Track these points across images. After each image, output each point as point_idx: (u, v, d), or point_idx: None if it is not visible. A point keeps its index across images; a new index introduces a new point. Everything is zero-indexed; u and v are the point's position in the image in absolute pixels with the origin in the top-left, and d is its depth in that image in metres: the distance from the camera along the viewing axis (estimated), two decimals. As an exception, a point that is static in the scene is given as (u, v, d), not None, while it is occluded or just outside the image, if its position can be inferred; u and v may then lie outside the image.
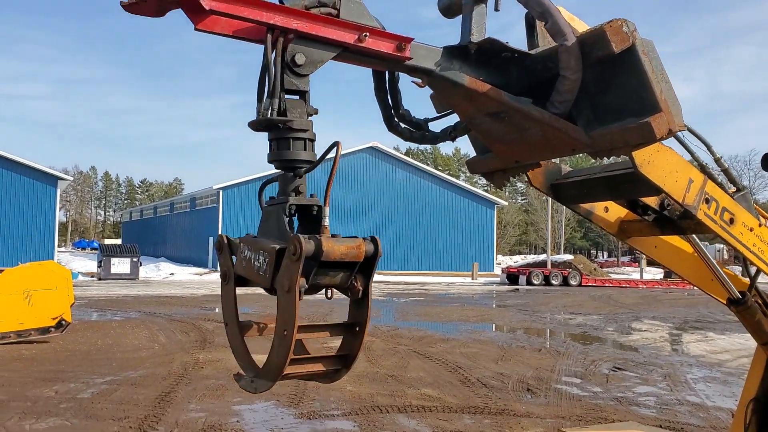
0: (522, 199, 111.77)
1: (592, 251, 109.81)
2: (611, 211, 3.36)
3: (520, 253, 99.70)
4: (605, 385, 9.35)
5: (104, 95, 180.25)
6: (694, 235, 3.25)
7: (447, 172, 74.80)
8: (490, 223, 52.31)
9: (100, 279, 35.64)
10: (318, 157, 2.54)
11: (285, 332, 2.28)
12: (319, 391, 8.33)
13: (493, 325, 16.94)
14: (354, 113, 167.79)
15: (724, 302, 3.52)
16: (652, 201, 3.04)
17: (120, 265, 35.71)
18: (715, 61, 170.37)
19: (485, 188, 66.48)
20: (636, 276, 53.61)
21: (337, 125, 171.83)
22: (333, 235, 2.35)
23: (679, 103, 2.38)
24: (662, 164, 2.67)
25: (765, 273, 3.03)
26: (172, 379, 8.85)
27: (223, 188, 46.17)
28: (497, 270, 50.60)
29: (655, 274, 57.29)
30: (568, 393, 8.72)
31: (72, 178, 56.09)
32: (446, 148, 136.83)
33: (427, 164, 73.01)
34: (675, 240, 3.47)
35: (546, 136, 2.56)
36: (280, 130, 2.48)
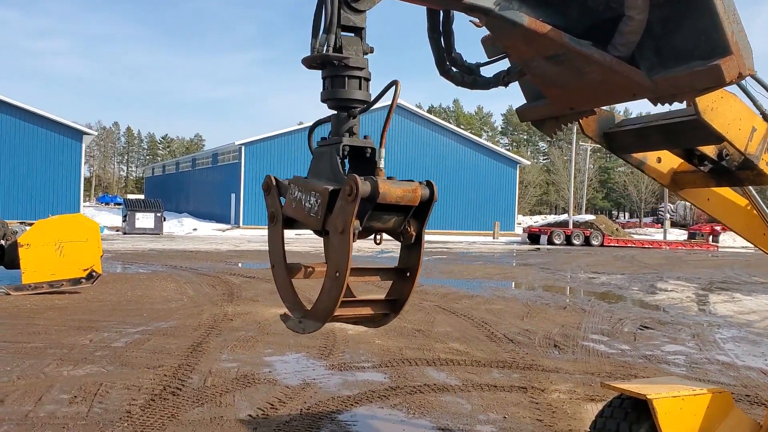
0: (544, 159, 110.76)
1: (613, 212, 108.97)
2: (664, 161, 3.27)
3: (540, 213, 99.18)
4: (633, 344, 9.33)
5: (126, 52, 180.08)
6: (750, 187, 3.17)
7: (470, 131, 74.08)
8: (512, 182, 52.02)
9: (124, 233, 36.09)
10: (374, 97, 2.48)
11: (337, 274, 2.26)
12: (349, 343, 8.41)
13: (515, 283, 16.94)
14: (375, 68, 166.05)
15: (776, 256, 3.45)
16: (709, 150, 2.95)
17: (144, 220, 36.11)
18: None
19: (507, 147, 65.84)
20: (659, 237, 53.25)
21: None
22: (389, 178, 2.31)
23: (750, 47, 2.28)
24: (726, 111, 2.59)
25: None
26: (203, 330, 8.97)
27: (246, 144, 46.23)
28: (518, 230, 50.49)
29: (678, 235, 56.84)
30: (596, 350, 8.72)
31: (96, 133, 56.36)
32: (469, 106, 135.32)
33: (449, 122, 72.35)
34: (728, 193, 3.39)
35: (606, 81, 2.47)
36: (335, 67, 2.42)
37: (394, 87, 2.35)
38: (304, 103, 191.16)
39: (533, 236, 40.11)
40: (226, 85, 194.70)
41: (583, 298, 14.29)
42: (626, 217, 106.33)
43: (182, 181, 64.53)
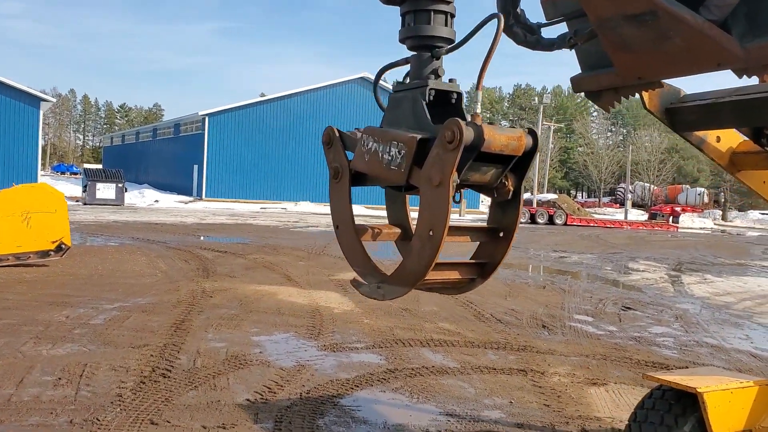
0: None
1: (572, 191, 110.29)
2: (723, 140, 3.10)
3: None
4: (619, 324, 9.30)
5: (83, 17, 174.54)
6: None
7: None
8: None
9: (85, 204, 35.11)
10: (469, 32, 2.20)
11: (431, 233, 2.00)
12: (337, 323, 8.19)
13: (492, 262, 16.86)
14: (342, 43, 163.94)
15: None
16: None
17: (105, 191, 35.19)
18: None
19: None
20: (620, 216, 54.09)
21: (324, 55, 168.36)
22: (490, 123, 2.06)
23: None
24: None
25: None
26: (183, 307, 8.64)
27: (210, 114, 45.29)
28: (482, 207, 50.72)
29: (638, 215, 57.83)
30: (585, 331, 8.66)
31: (54, 100, 54.64)
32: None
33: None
34: (785, 176, 3.24)
35: (690, 47, 2.22)
36: (418, 1, 2.15)
37: (496, 21, 2.09)
38: (265, 75, 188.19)
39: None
40: (186, 55, 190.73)
41: (560, 277, 14.29)
42: (584, 196, 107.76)
43: (142, 152, 63.10)
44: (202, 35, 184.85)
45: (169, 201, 42.51)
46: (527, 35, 2.55)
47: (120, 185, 36.06)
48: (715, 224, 53.77)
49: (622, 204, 69.00)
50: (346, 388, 5.68)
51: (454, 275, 2.23)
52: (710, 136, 3.06)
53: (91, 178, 35.72)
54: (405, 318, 8.71)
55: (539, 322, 9.03)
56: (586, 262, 17.96)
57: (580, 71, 2.84)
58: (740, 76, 2.52)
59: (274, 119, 46.58)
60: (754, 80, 2.88)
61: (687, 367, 6.97)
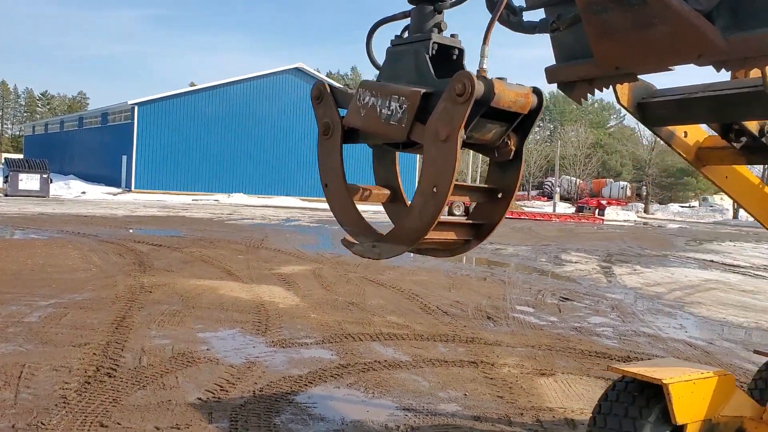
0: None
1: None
2: (690, 135, 3.16)
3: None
4: (559, 315, 9.51)
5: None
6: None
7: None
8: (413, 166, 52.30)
9: (6, 195, 33.57)
10: None
11: (435, 189, 1.95)
12: (283, 318, 8.07)
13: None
14: (276, 32, 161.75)
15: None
16: (751, 126, 2.85)
17: (29, 182, 33.75)
18: None
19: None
20: (548, 209, 55.41)
21: (257, 44, 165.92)
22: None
23: None
24: None
25: None
26: (122, 303, 8.34)
27: (139, 104, 43.95)
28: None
29: (565, 208, 59.40)
30: (528, 322, 8.81)
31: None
32: (368, 73, 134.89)
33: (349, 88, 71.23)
34: (745, 172, 3.34)
35: (674, 35, 2.22)
36: None
37: None
38: (196, 64, 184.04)
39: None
40: (112, 42, 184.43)
41: (498, 269, 14.51)
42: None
43: (67, 141, 60.74)
44: (128, 22, 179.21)
45: (97, 192, 41.12)
46: (510, 15, 2.52)
47: (45, 176, 34.63)
48: (638, 217, 55.78)
49: (550, 197, 70.71)
50: (300, 384, 5.59)
51: (451, 235, 2.19)
52: (678, 131, 3.12)
53: (12, 169, 34.15)
54: (352, 312, 8.66)
55: (484, 313, 9.13)
56: (522, 254, 18.31)
57: (554, 62, 2.84)
58: (718, 70, 2.56)
59: (206, 109, 45.61)
60: (726, 76, 2.95)
61: (629, 357, 7.18)
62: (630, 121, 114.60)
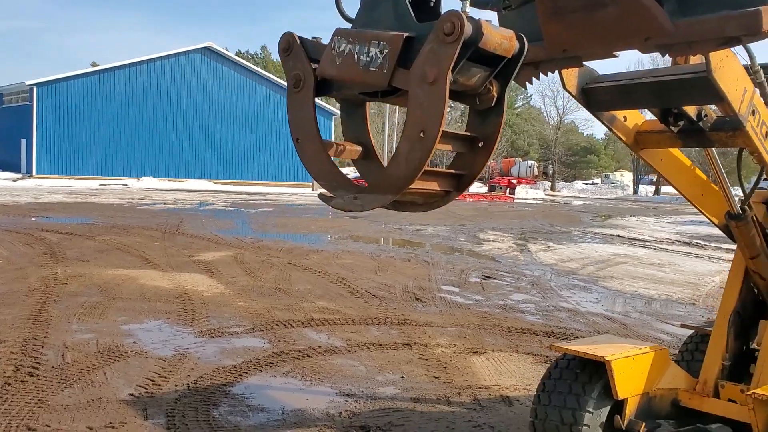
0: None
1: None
2: (629, 120, 3.26)
3: (348, 165, 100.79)
4: (484, 294, 9.72)
5: None
6: (713, 149, 3.26)
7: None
8: (328, 134, 51.99)
9: None
10: None
11: (422, 134, 1.90)
12: (209, 307, 7.88)
13: (353, 236, 16.98)
14: (184, 10, 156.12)
15: (711, 217, 3.61)
16: (690, 110, 2.96)
17: None
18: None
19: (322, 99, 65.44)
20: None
21: (164, 23, 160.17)
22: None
23: None
24: (730, 71, 2.58)
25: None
26: (37, 296, 7.92)
27: (38, 84, 41.65)
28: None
29: (478, 187, 60.62)
30: (455, 302, 8.96)
31: None
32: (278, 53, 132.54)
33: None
34: (678, 154, 3.47)
35: (623, 16, 2.25)
36: None
37: None
38: (97, 43, 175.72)
39: (350, 188, 40.53)
40: (2, 18, 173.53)
41: (421, 250, 14.67)
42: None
43: (-43, 124, 56.91)
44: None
45: (-7, 179, 38.80)
46: None
47: (-66, 162, 32.38)
48: (545, 194, 57.65)
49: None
50: (235, 375, 5.48)
51: (434, 185, 2.15)
52: (618, 115, 3.21)
53: None
54: (280, 298, 8.55)
55: (412, 295, 9.22)
56: (442, 234, 18.58)
57: None
58: (663, 54, 2.63)
59: (111, 91, 43.71)
60: (666, 63, 3.04)
61: (553, 332, 7.42)
62: (536, 101, 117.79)
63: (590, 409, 3.36)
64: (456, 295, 9.48)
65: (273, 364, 5.81)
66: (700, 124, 2.99)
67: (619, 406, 3.42)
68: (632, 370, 3.41)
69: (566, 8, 2.37)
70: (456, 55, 1.84)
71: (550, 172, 76.30)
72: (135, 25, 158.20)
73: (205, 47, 46.42)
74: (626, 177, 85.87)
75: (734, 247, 3.70)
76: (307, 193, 41.60)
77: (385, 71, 2.00)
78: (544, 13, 2.48)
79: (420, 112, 1.91)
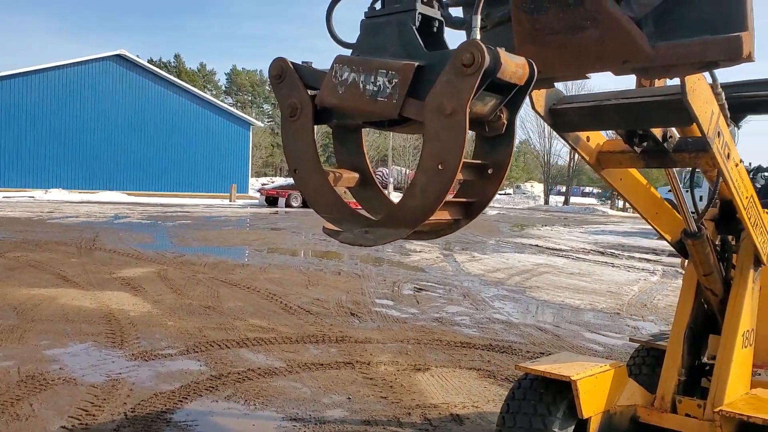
0: (269, 121, 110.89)
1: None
2: (592, 140, 3.29)
3: (266, 175, 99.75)
4: (418, 306, 9.71)
5: None
6: (673, 169, 3.33)
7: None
8: (246, 144, 51.20)
9: None
10: None
11: (441, 166, 1.84)
12: (138, 327, 7.52)
13: (279, 249, 16.71)
14: (95, 15, 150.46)
15: (665, 234, 3.69)
16: (656, 132, 3.00)
17: None
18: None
19: (237, 106, 64.80)
20: (382, 199, 56.68)
21: (76, 29, 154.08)
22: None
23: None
24: (702, 93, 2.63)
25: (740, 210, 3.18)
26: (-55, 321, 7.35)
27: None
28: (252, 192, 50.12)
29: (398, 197, 61.17)
30: (391, 316, 8.91)
31: None
32: (192, 62, 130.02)
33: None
34: (636, 174, 3.53)
35: (602, 41, 2.26)
36: None
37: None
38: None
39: (271, 199, 39.97)
40: None
41: (350, 262, 14.57)
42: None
43: None
44: None
45: None
46: (440, 8, 2.45)
47: None
48: (464, 204, 58.62)
49: (383, 187, 72.37)
50: (174, 401, 5.22)
51: (446, 215, 2.08)
52: (582, 135, 3.23)
53: None
54: (211, 317, 8.26)
55: (347, 310, 9.10)
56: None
57: None
58: (640, 77, 2.65)
59: (13, 98, 41.54)
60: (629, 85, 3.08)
61: (491, 345, 7.47)
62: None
63: (555, 430, 3.34)
64: (391, 308, 9.43)
65: (213, 388, 5.57)
66: (665, 144, 3.04)
67: (582, 425, 3.42)
68: (595, 389, 3.43)
69: (545, 30, 2.35)
70: (476, 87, 1.78)
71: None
72: (39, 30, 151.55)
73: (117, 54, 44.84)
74: (537, 187, 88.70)
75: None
76: (224, 204, 40.73)
77: (395, 101, 1.93)
78: (520, 34, 2.45)
79: (438, 144, 1.85)
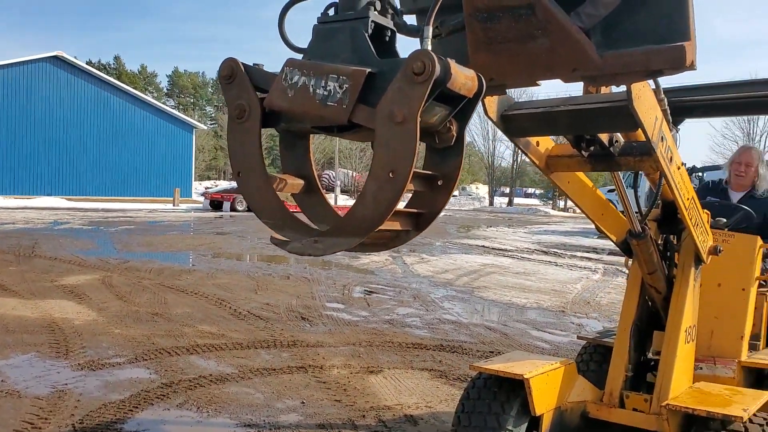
0: (212, 124, 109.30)
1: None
2: (541, 145, 3.37)
3: (209, 179, 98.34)
4: (369, 309, 9.75)
5: None
6: (619, 172, 3.44)
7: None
8: (189, 147, 50.41)
9: None
10: None
11: (392, 174, 1.84)
12: (83, 336, 7.34)
13: (225, 254, 16.50)
14: (30, 15, 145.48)
15: (610, 234, 3.81)
16: (603, 136, 3.10)
17: None
18: None
19: (179, 108, 63.73)
20: (330, 201, 56.53)
21: (8, 29, 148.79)
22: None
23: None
24: (646, 100, 2.74)
25: (682, 210, 3.32)
26: None
27: None
28: (195, 196, 49.38)
29: (345, 200, 61.08)
30: (342, 319, 8.91)
31: None
32: (132, 64, 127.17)
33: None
34: (583, 177, 3.64)
35: (552, 50, 2.33)
36: None
37: None
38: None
39: (215, 203, 39.45)
40: None
41: (298, 266, 14.50)
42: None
43: None
44: None
45: None
46: (395, 16, 2.49)
47: None
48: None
49: (329, 190, 72.29)
50: (124, 411, 5.12)
51: (396, 225, 2.09)
52: (533, 140, 3.31)
53: None
54: (159, 324, 8.12)
55: (297, 314, 9.07)
56: (316, 249, 18.44)
57: None
58: (588, 84, 2.75)
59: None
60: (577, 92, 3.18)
61: (443, 345, 7.56)
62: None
63: (510, 427, 3.42)
64: (342, 312, 9.44)
65: (164, 396, 5.49)
66: (611, 149, 3.14)
67: (535, 423, 3.51)
68: (547, 386, 3.52)
69: (497, 39, 2.41)
70: (426, 95, 1.81)
71: (411, 183, 78.42)
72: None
73: (54, 56, 43.57)
74: (481, 189, 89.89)
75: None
76: (168, 208, 40.00)
77: (345, 107, 1.93)
78: (474, 42, 2.50)
79: (389, 151, 1.86)
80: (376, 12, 2.15)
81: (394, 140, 1.85)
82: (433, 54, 1.81)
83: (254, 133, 2.13)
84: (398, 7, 2.50)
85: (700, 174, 12.77)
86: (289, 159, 2.39)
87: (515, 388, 3.48)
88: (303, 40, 2.30)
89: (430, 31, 2.03)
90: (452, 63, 1.90)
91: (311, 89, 1.99)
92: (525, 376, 3.38)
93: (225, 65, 2.15)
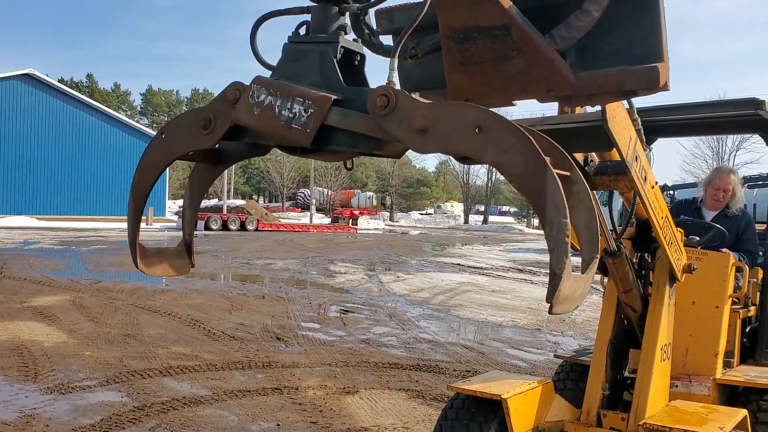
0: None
1: (254, 196, 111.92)
2: None
3: (183, 197, 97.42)
4: (345, 329, 9.68)
5: None
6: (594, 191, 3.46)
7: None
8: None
9: None
10: None
11: None
12: (53, 359, 7.20)
13: (200, 274, 16.31)
14: (2, 33, 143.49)
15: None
16: (578, 156, 3.12)
17: None
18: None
19: (153, 127, 63.24)
20: (305, 221, 56.43)
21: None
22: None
23: None
24: (621, 120, 2.77)
25: (656, 229, 3.34)
26: None
27: None
28: (169, 215, 48.91)
29: (321, 218, 60.96)
30: (318, 339, 8.84)
31: None
32: (105, 82, 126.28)
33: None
34: (559, 196, 3.65)
35: (528, 69, 2.35)
36: None
37: None
38: None
39: (189, 221, 39.00)
40: None
41: (273, 285, 14.39)
42: (266, 201, 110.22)
43: None
44: None
45: None
46: (371, 37, 2.49)
47: None
48: (385, 224, 59.10)
49: (304, 208, 72.11)
50: (95, 435, 5.00)
51: None
52: (507, 161, 3.31)
53: None
54: (131, 345, 7.97)
55: (272, 334, 8.97)
56: (292, 268, 18.36)
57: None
58: (563, 105, 2.76)
59: None
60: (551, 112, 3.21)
61: (419, 365, 7.52)
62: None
63: (488, 448, 3.40)
64: (318, 331, 9.36)
65: (136, 419, 5.37)
66: (586, 168, 3.16)
67: (513, 442, 3.48)
68: (525, 406, 3.51)
69: (473, 59, 2.42)
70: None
71: (388, 203, 78.69)
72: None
73: (26, 74, 43.07)
74: (456, 207, 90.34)
75: None
76: (142, 227, 39.46)
77: (308, 131, 1.95)
78: (450, 62, 2.51)
79: None
80: (345, 37, 2.16)
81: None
82: (393, 89, 1.86)
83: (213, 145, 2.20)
84: (374, 27, 2.51)
85: (671, 192, 12.95)
86: (197, 180, 2.50)
87: (493, 409, 3.47)
88: (274, 55, 2.31)
89: (395, 63, 2.05)
90: (413, 96, 1.94)
91: (277, 110, 2.00)
92: (503, 396, 3.37)
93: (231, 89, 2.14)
